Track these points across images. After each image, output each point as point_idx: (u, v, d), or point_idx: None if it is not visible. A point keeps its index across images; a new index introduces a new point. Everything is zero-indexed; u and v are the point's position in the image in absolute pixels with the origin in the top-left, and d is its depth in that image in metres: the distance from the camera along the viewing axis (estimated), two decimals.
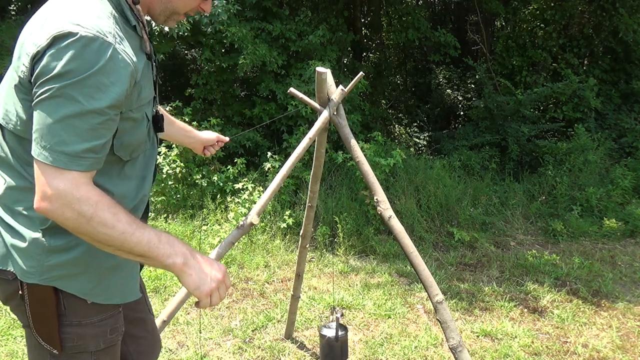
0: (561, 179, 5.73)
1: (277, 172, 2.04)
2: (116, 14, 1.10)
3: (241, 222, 1.87)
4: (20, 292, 1.15)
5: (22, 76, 1.05)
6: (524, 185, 6.01)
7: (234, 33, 5.15)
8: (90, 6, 1.05)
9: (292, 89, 2.15)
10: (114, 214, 1.03)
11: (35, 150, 1.01)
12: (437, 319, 2.02)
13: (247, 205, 4.79)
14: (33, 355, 1.24)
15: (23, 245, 1.12)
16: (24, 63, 1.04)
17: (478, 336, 3.12)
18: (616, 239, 4.97)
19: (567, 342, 3.07)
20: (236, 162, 5.35)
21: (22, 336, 2.97)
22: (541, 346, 3.00)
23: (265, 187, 2.00)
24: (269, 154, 5.31)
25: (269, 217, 4.90)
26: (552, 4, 8.08)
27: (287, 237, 4.77)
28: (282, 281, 3.99)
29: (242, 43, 5.27)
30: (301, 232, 2.68)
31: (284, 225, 4.78)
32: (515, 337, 3.10)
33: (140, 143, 1.22)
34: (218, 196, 5.13)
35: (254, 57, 5.28)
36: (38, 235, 1.12)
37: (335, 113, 2.12)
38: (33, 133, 1.01)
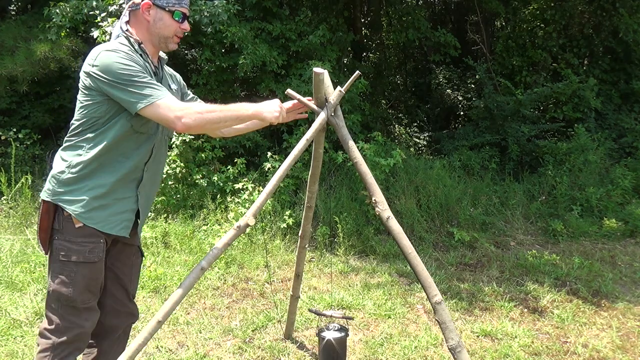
0: (561, 179, 5.73)
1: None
2: (133, 48, 1.79)
3: (237, 224, 1.87)
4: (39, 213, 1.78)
5: None
6: (524, 185, 6.00)
7: (234, 33, 5.16)
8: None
9: (289, 90, 2.14)
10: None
11: None
12: (436, 320, 2.02)
13: (247, 205, 4.79)
14: (48, 263, 1.83)
15: (50, 176, 1.79)
16: None
17: (478, 336, 3.12)
18: (616, 239, 4.97)
19: (567, 342, 3.07)
20: (236, 162, 5.35)
21: (22, 336, 2.97)
22: (541, 346, 3.00)
23: (264, 188, 1.99)
24: (269, 154, 5.32)
25: (268, 217, 4.91)
26: (552, 4, 8.08)
27: (287, 237, 4.77)
28: (282, 281, 3.99)
29: (242, 43, 5.27)
30: (300, 232, 2.68)
31: (284, 225, 4.78)
32: (515, 337, 3.10)
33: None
34: (218, 196, 5.14)
35: (254, 57, 5.28)
36: (59, 170, 1.77)
37: (332, 114, 2.11)
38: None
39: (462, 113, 9.18)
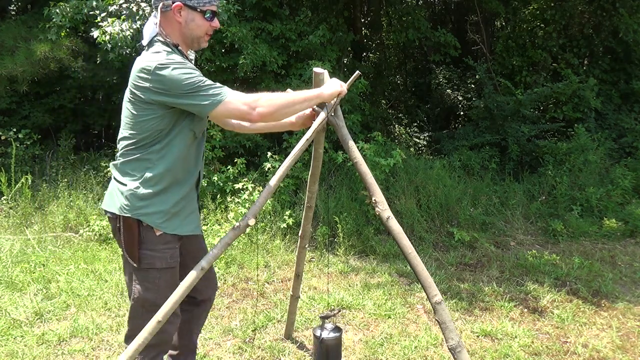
0: (561, 179, 5.73)
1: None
2: (174, 51, 1.82)
3: (237, 224, 1.87)
4: (118, 225, 1.83)
5: None
6: (524, 185, 6.00)
7: (234, 33, 5.15)
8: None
9: (289, 90, 2.15)
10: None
11: None
12: (436, 320, 2.02)
13: (247, 205, 4.79)
14: (126, 269, 1.92)
15: (125, 192, 1.80)
16: None
17: (478, 336, 3.12)
18: (616, 239, 4.97)
19: (567, 342, 3.07)
20: (236, 162, 5.35)
21: (22, 336, 2.97)
22: (541, 346, 3.00)
23: (264, 188, 2.00)
24: (269, 154, 5.31)
25: (268, 217, 4.91)
26: (552, 4, 8.08)
27: (287, 237, 4.77)
28: (282, 281, 3.99)
29: (242, 43, 5.27)
30: (300, 232, 2.68)
31: (284, 225, 4.78)
32: (515, 337, 3.10)
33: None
34: (218, 196, 5.13)
35: (254, 57, 5.28)
36: (134, 186, 1.80)
37: (332, 114, 2.11)
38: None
39: (462, 113, 9.18)
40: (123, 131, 1.84)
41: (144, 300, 1.87)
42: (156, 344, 1.88)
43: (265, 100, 1.78)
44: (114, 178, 1.88)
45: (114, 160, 1.89)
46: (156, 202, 1.82)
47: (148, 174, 1.80)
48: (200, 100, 1.72)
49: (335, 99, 2.09)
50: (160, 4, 1.79)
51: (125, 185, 1.81)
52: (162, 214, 1.83)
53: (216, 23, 1.87)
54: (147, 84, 1.71)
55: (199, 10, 1.79)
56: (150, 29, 1.83)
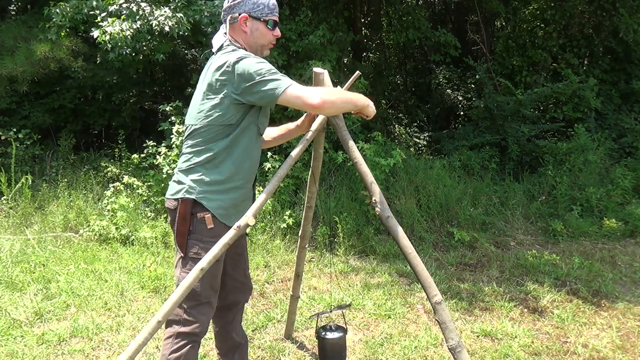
0: (561, 179, 5.73)
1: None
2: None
3: (237, 223, 1.87)
4: (176, 213, 1.94)
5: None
6: (524, 185, 6.00)
7: None
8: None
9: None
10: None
11: None
12: (436, 320, 2.02)
13: None
14: (176, 260, 2.02)
15: (193, 178, 1.93)
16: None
17: (478, 336, 3.12)
18: (616, 239, 4.97)
19: (567, 342, 3.07)
20: None
21: (22, 336, 2.97)
22: (541, 346, 3.00)
23: (265, 188, 2.01)
24: (269, 154, 5.31)
25: (268, 217, 4.91)
26: (552, 4, 8.08)
27: (287, 237, 4.77)
28: (282, 281, 3.99)
29: None
30: (300, 232, 2.68)
31: (284, 225, 4.78)
32: (515, 337, 3.10)
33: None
34: None
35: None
36: (201, 173, 1.93)
37: None
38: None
39: (462, 113, 9.18)
40: (193, 126, 1.96)
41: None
42: (187, 332, 1.96)
43: (325, 92, 1.90)
44: (180, 170, 1.99)
45: (182, 151, 2.02)
46: (220, 191, 1.93)
47: (215, 166, 1.93)
48: (273, 84, 1.83)
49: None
50: (229, 17, 1.99)
51: (189, 172, 1.94)
52: (222, 202, 1.94)
53: (277, 32, 2.06)
54: (226, 77, 1.86)
55: (262, 20, 1.98)
56: (219, 39, 2.02)
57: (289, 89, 1.83)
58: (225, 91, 1.88)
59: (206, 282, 1.95)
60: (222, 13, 2.04)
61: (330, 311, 2.65)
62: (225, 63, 1.87)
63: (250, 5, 1.97)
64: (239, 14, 1.97)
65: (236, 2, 1.98)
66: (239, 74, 1.84)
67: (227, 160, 1.93)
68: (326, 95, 1.88)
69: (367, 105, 2.02)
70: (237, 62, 1.85)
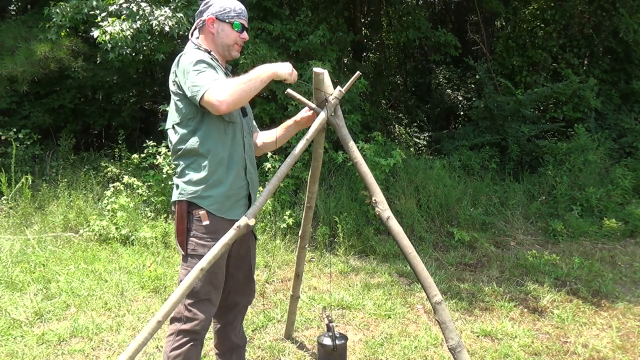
0: (561, 179, 5.73)
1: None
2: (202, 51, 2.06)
3: (237, 223, 1.87)
4: (174, 214, 2.05)
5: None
6: (524, 185, 6.00)
7: None
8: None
9: (289, 90, 2.15)
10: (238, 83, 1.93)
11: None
12: (436, 320, 2.02)
13: None
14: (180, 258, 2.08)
15: (181, 181, 2.02)
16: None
17: (478, 336, 3.12)
18: (616, 239, 4.97)
19: (567, 342, 3.07)
20: None
21: (22, 336, 2.97)
22: (541, 346, 3.00)
23: (265, 187, 2.01)
24: (269, 154, 5.31)
25: (268, 217, 4.91)
26: (552, 4, 8.08)
27: (287, 237, 4.77)
28: (282, 281, 3.99)
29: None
30: (300, 232, 2.68)
31: (284, 225, 4.78)
32: (515, 337, 3.10)
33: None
34: None
35: (254, 57, 5.27)
36: (186, 174, 2.01)
37: (332, 114, 2.11)
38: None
39: (462, 113, 9.18)
40: (170, 130, 2.06)
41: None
42: (187, 329, 1.99)
43: (226, 91, 1.87)
44: (175, 175, 2.11)
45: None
46: (208, 188, 1.99)
47: (198, 165, 2.00)
48: (197, 86, 1.88)
49: (334, 99, 2.09)
50: (199, 20, 2.13)
51: (180, 176, 2.05)
52: (213, 198, 2.00)
53: (245, 35, 2.14)
54: (174, 76, 1.99)
55: (227, 22, 2.08)
56: (190, 41, 2.14)
57: (205, 94, 1.86)
58: (176, 87, 1.98)
59: (205, 278, 1.97)
60: (195, 18, 2.16)
61: (330, 321, 2.57)
62: (175, 61, 2.00)
63: (217, 9, 2.08)
64: (207, 17, 2.09)
65: (206, 6, 2.11)
66: (180, 67, 1.95)
67: (204, 156, 1.99)
68: (226, 93, 1.86)
69: (274, 71, 2.01)
70: (181, 56, 1.98)
